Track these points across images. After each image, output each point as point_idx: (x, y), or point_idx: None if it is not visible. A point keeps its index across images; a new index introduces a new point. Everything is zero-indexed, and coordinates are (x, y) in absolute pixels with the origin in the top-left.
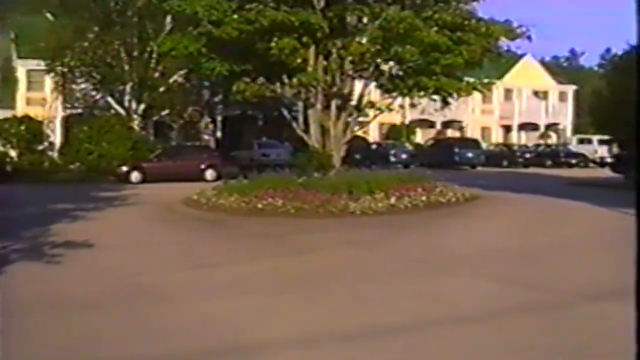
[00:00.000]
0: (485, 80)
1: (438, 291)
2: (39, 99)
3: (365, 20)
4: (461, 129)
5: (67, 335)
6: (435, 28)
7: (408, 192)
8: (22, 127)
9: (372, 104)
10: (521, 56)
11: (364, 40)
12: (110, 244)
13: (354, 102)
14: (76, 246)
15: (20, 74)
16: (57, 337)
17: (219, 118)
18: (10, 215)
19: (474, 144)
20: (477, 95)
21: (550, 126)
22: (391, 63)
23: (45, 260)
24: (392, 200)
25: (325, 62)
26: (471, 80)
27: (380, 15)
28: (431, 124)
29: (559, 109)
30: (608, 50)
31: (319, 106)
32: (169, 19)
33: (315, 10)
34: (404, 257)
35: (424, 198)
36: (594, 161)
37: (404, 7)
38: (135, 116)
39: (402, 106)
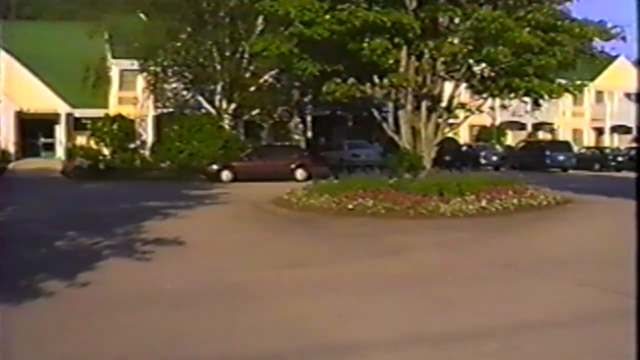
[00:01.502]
0: (578, 82)
1: (529, 295)
2: (131, 98)
3: (457, 20)
4: (552, 131)
5: (156, 332)
6: (527, 28)
7: (499, 195)
8: (115, 126)
9: (462, 105)
10: (614, 57)
11: (456, 41)
12: (201, 242)
13: (444, 104)
14: (167, 243)
15: (114, 73)
16: (147, 333)
17: (308, 118)
18: (103, 212)
19: (565, 146)
20: (568, 97)
21: None
22: (483, 64)
23: (136, 257)
24: (483, 202)
25: (416, 63)
26: (563, 81)
27: (472, 16)
28: (522, 126)
29: None
30: None
31: (409, 107)
32: (260, 19)
33: (407, 10)
34: (495, 260)
35: (515, 201)
36: None
37: (496, 7)
38: (225, 115)
39: (492, 108)
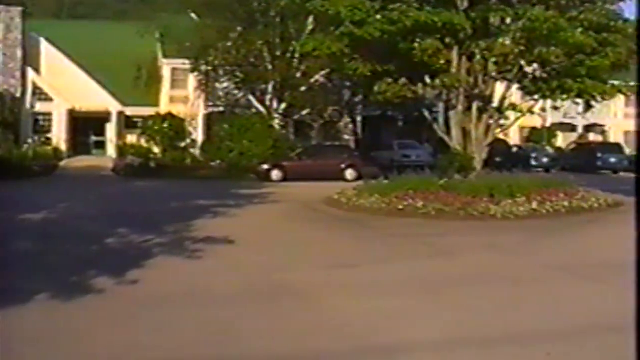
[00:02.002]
0: (631, 83)
1: (581, 299)
2: (182, 97)
3: (508, 20)
4: (603, 133)
5: (204, 331)
6: (580, 29)
7: (550, 197)
8: (166, 125)
9: (514, 107)
10: None
11: (508, 42)
12: (251, 241)
13: (495, 105)
14: (217, 242)
15: (165, 72)
16: (195, 332)
17: (359, 118)
18: (153, 210)
19: (617, 148)
20: (619, 99)
21: None
22: (534, 65)
23: (186, 255)
24: (534, 204)
25: (468, 64)
26: (616, 83)
27: (525, 16)
28: (572, 128)
29: None
30: None
31: (460, 108)
32: (311, 19)
33: (459, 10)
34: (547, 263)
35: (566, 203)
36: None
37: (548, 8)
38: (276, 115)
39: (544, 109)
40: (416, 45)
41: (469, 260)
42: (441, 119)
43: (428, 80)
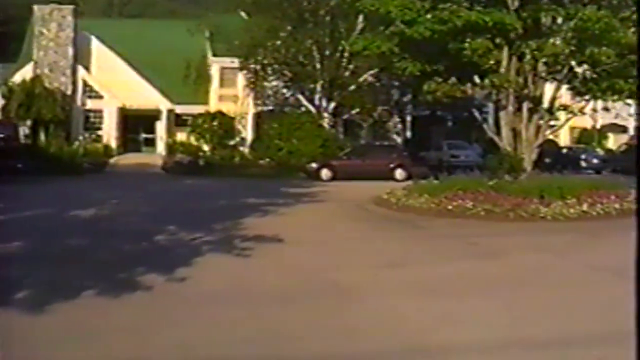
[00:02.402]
0: None
1: (632, 302)
2: (232, 95)
3: (559, 20)
4: None
5: (253, 329)
6: (632, 29)
7: (601, 199)
8: (215, 123)
9: (564, 107)
10: None
11: (558, 42)
12: (300, 239)
13: (545, 105)
14: (266, 240)
15: (214, 71)
16: (243, 330)
17: (408, 118)
18: (202, 208)
19: None
20: None
21: None
22: (585, 65)
23: (235, 253)
24: (584, 206)
25: (517, 64)
26: None
27: (576, 16)
28: (624, 129)
29: None
30: None
31: (510, 108)
32: (360, 18)
33: (509, 10)
34: (597, 265)
35: (617, 205)
36: None
37: (600, 7)
38: (325, 114)
39: (595, 110)
40: (466, 44)
41: (518, 261)
42: (491, 119)
43: (477, 80)
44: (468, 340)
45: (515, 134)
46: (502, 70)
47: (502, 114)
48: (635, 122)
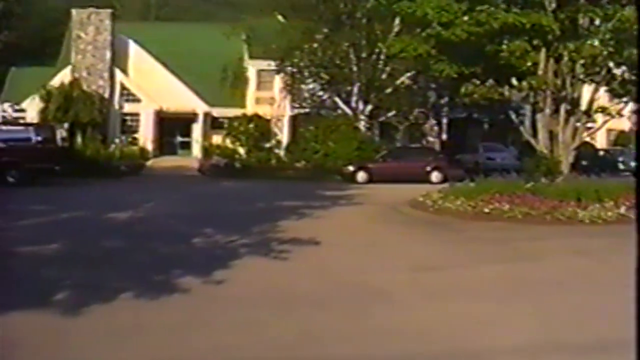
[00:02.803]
0: None
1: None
2: (268, 98)
3: (597, 21)
4: None
5: (289, 332)
6: None
7: None
8: (251, 126)
9: (602, 109)
10: None
11: (596, 43)
12: (336, 242)
13: (583, 107)
14: (302, 243)
15: (251, 74)
16: (280, 332)
17: (444, 120)
18: (239, 210)
19: None
20: None
21: None
22: (623, 67)
23: (272, 255)
24: (622, 209)
25: (555, 66)
26: None
27: (614, 17)
28: None
29: None
30: None
31: (547, 110)
32: (397, 20)
33: (547, 11)
34: (634, 269)
35: None
36: None
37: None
38: (361, 117)
39: (635, 112)
40: (503, 46)
41: (557, 265)
42: (527, 122)
43: (514, 82)
44: (508, 345)
45: (552, 136)
46: (540, 72)
47: (539, 116)
48: None
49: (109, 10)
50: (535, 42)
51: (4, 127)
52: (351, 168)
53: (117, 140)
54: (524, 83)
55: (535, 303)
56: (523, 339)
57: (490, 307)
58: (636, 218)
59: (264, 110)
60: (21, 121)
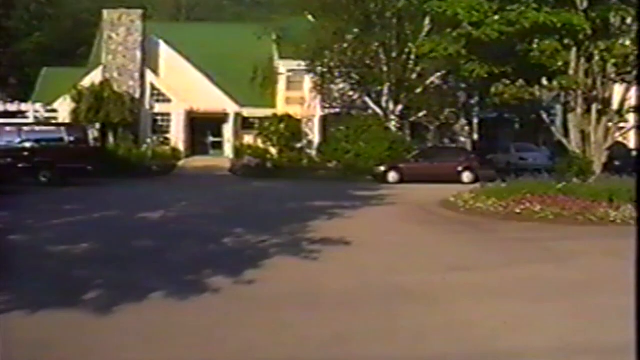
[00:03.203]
0: None
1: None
2: (298, 98)
3: (629, 20)
4: None
5: (320, 332)
6: None
7: None
8: (282, 126)
9: (634, 109)
10: None
11: (628, 42)
12: (367, 242)
13: (614, 107)
14: (333, 243)
15: (281, 74)
16: (311, 333)
17: (475, 120)
18: (270, 210)
19: None
20: None
21: None
22: None
23: (302, 255)
24: None
25: (586, 65)
26: None
27: None
28: None
29: None
30: None
31: (579, 110)
32: (427, 20)
33: (578, 11)
34: None
35: None
36: None
37: None
38: (392, 117)
39: None
40: (534, 46)
41: (589, 265)
42: (559, 122)
43: (545, 82)
44: (539, 346)
45: (584, 136)
46: (571, 71)
47: (570, 116)
48: None
49: (140, 11)
50: (566, 41)
51: (36, 128)
52: (382, 168)
53: (148, 141)
54: (555, 83)
55: (567, 303)
56: (556, 340)
57: (522, 308)
58: (636, 218)
59: (294, 111)
60: (53, 121)
